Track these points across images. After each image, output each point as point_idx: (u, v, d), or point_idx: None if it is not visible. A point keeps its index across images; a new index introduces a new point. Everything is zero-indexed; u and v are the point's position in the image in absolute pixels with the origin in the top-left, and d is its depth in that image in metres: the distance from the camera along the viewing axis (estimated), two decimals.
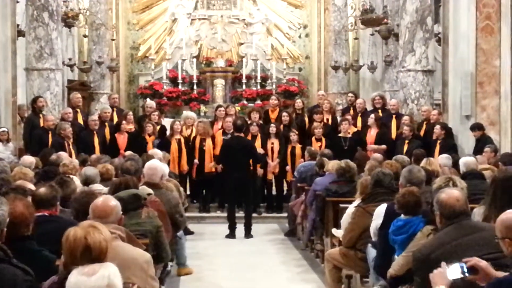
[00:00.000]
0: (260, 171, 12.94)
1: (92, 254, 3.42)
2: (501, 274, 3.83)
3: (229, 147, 12.07)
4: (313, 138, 13.23)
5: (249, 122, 13.29)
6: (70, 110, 13.37)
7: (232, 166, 11.84)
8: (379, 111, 13.98)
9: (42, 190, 5.40)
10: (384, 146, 12.97)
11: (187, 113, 14.82)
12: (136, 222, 5.86)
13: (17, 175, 7.34)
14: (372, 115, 13.46)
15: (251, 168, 12.35)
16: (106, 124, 13.47)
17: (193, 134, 13.60)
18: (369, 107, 14.57)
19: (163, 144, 12.85)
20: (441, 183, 5.70)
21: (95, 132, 13.00)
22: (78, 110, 13.94)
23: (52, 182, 5.73)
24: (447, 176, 5.64)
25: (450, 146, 12.27)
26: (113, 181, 6.82)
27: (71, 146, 12.09)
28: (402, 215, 5.61)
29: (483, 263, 3.79)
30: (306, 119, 14.16)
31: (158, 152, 10.86)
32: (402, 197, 5.64)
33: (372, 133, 13.26)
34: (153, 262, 6.10)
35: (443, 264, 3.86)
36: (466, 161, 8.66)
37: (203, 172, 13.34)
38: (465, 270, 3.72)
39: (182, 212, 7.80)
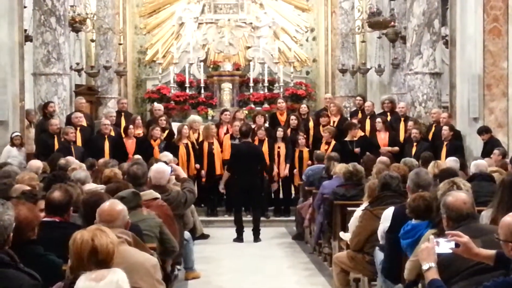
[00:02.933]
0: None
1: (99, 257, 3.42)
2: (483, 251, 4.00)
3: (239, 152, 12.05)
4: (324, 142, 13.16)
5: (253, 126, 13.25)
6: (81, 114, 13.35)
7: (241, 171, 11.82)
8: (388, 114, 13.97)
9: (56, 195, 5.24)
10: (397, 148, 13.00)
11: (193, 117, 14.78)
12: (140, 219, 5.82)
13: (24, 179, 7.32)
14: (379, 119, 13.44)
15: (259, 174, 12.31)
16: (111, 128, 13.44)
17: (201, 138, 13.59)
18: (378, 110, 14.55)
19: (169, 148, 12.77)
20: (445, 187, 5.66)
21: (106, 136, 13.01)
22: (82, 114, 13.94)
23: (67, 186, 5.60)
24: (450, 180, 5.60)
25: (457, 148, 12.25)
26: (109, 186, 6.74)
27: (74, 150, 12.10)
28: (413, 220, 5.58)
29: (464, 239, 3.97)
30: (311, 123, 14.12)
31: (167, 154, 10.86)
32: (412, 201, 5.60)
33: (383, 137, 13.25)
34: (164, 256, 6.12)
35: (431, 237, 3.96)
36: (477, 163, 8.63)
37: (214, 175, 13.30)
38: (453, 245, 3.95)
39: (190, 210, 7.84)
